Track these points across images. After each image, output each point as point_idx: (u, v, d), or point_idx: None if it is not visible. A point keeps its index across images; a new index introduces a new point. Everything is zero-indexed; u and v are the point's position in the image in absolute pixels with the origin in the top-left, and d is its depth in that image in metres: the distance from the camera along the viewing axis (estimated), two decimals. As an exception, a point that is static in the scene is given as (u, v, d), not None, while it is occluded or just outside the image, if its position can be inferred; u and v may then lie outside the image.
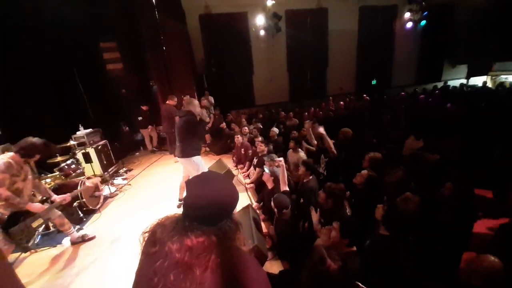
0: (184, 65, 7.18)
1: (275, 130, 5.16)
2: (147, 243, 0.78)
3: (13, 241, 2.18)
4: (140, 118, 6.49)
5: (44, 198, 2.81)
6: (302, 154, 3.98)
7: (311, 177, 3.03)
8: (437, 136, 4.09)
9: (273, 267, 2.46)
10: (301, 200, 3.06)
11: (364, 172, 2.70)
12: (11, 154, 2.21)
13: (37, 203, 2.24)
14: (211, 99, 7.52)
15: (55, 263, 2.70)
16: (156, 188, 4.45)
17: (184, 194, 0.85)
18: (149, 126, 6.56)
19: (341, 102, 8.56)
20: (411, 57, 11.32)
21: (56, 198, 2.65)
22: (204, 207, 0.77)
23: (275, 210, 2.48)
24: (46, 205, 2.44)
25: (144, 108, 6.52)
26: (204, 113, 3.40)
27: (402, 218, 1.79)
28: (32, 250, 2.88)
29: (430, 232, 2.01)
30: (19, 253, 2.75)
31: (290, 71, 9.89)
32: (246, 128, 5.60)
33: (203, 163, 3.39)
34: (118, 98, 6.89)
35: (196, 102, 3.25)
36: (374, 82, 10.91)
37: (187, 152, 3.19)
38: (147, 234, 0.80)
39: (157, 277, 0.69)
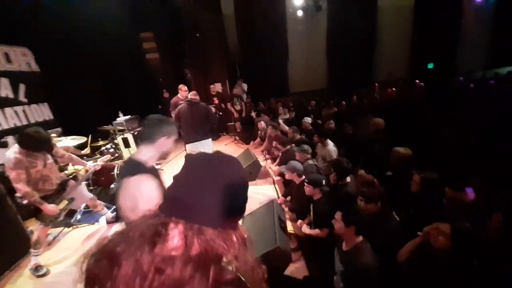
0: (218, 52, 7.11)
1: (308, 120, 4.78)
2: (85, 282, 0.49)
3: (45, 223, 2.35)
4: (160, 107, 6.45)
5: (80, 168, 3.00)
6: (330, 148, 3.61)
7: (348, 179, 2.62)
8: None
9: (298, 270, 2.22)
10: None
11: (416, 177, 2.22)
12: (17, 148, 2.10)
13: (52, 205, 2.22)
14: (245, 86, 7.34)
15: (90, 240, 2.91)
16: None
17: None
18: None
19: (393, 89, 7.49)
20: (482, 37, 9.29)
21: (91, 166, 2.81)
22: (221, 197, 0.50)
23: (313, 190, 2.36)
24: (63, 203, 2.38)
25: (166, 95, 6.37)
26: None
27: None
28: (74, 226, 3.16)
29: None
30: (63, 227, 3.05)
31: (329, 55, 9.08)
32: (262, 122, 5.21)
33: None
34: (156, 86, 7.17)
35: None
36: (430, 65, 9.34)
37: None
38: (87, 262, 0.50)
39: None
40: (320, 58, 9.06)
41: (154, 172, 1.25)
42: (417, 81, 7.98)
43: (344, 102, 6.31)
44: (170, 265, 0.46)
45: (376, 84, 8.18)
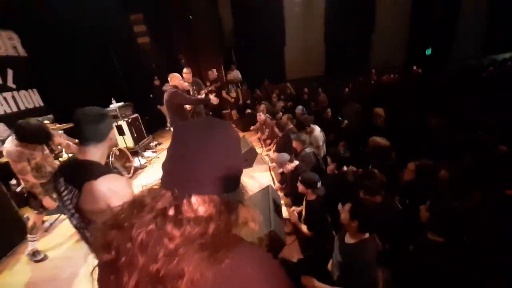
0: (212, 38, 6.89)
1: (300, 108, 4.78)
2: (100, 247, 0.51)
3: (38, 211, 2.35)
4: (151, 96, 6.29)
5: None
6: (317, 134, 3.70)
7: (345, 168, 2.60)
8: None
9: (292, 253, 2.28)
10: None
11: (411, 164, 2.21)
12: (16, 140, 2.08)
13: (50, 200, 2.23)
14: (238, 73, 7.20)
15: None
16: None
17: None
18: None
19: (391, 75, 7.41)
20: (479, 24, 9.08)
21: None
22: (215, 166, 0.50)
23: (306, 190, 2.22)
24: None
25: (156, 83, 6.20)
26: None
27: (456, 219, 1.41)
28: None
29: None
30: (59, 214, 3.06)
31: (327, 40, 8.85)
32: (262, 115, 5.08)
33: None
34: (148, 72, 6.97)
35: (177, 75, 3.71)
36: (428, 51, 9.21)
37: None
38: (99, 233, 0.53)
39: None
40: (318, 43, 8.85)
41: (111, 171, 1.17)
42: (415, 67, 7.91)
43: (347, 89, 6.24)
44: (192, 225, 0.48)
45: (373, 70, 8.09)
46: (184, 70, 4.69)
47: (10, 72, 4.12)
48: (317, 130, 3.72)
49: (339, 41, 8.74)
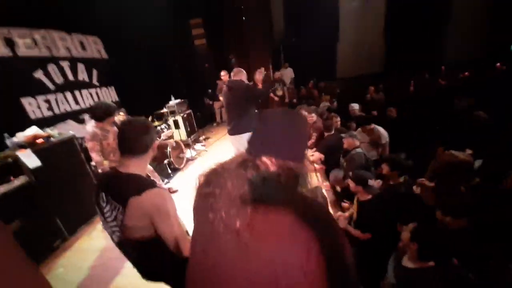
0: (263, 36, 7.00)
1: (354, 105, 4.44)
2: (202, 184, 0.74)
3: None
4: (210, 91, 6.84)
5: None
6: (382, 131, 3.37)
7: (401, 179, 2.26)
8: None
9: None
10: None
11: None
12: (94, 122, 2.49)
13: None
14: (291, 71, 7.12)
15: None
16: (227, 154, 4.73)
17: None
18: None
19: (466, 73, 6.25)
20: None
21: None
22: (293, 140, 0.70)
23: (357, 187, 2.10)
24: None
25: (219, 82, 6.74)
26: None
27: None
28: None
29: None
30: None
31: (387, 33, 7.97)
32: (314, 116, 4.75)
33: None
34: (202, 72, 7.49)
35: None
36: (514, 46, 7.47)
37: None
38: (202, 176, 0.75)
39: (213, 212, 0.64)
40: (376, 37, 8.06)
41: (154, 184, 1.10)
42: (499, 64, 6.56)
43: (412, 88, 5.55)
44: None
45: (443, 67, 7.00)
46: (222, 73, 4.78)
47: (95, 72, 4.90)
48: (380, 129, 3.43)
49: (402, 33, 7.69)
